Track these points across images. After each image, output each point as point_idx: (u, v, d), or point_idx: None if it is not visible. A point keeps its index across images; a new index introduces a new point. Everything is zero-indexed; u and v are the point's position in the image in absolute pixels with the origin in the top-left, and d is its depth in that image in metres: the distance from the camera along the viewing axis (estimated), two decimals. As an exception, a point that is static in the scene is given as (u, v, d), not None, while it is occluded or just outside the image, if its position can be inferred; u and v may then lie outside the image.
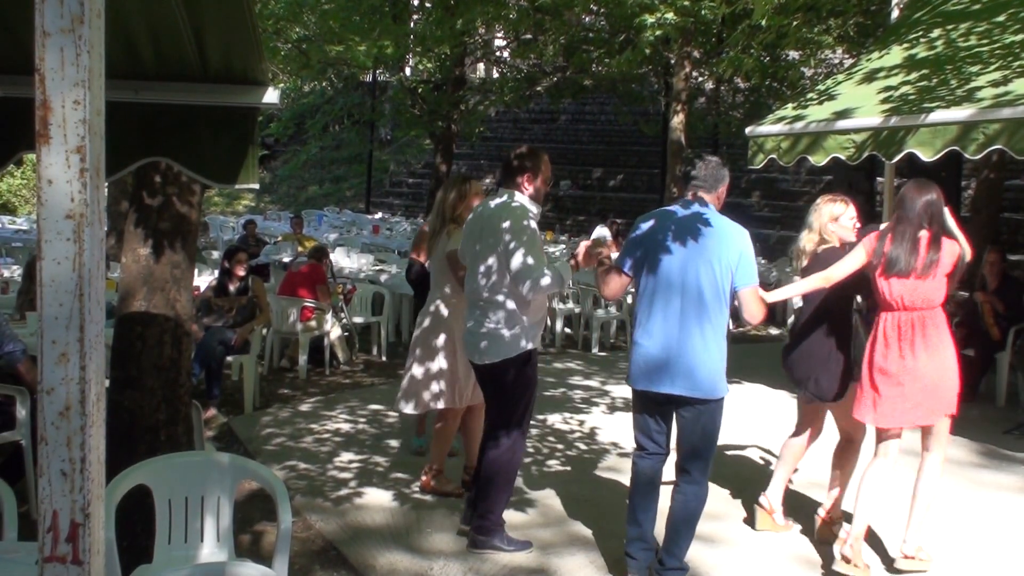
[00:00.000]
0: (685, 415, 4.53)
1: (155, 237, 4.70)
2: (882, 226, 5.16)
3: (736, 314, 5.21)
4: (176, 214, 4.75)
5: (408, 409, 6.18)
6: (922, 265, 4.72)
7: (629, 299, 11.82)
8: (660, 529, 4.75)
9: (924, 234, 4.76)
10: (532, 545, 5.23)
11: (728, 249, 4.47)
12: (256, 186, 3.81)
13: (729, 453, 7.16)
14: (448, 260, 5.92)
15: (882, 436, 4.91)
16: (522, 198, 5.13)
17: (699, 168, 4.76)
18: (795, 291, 5.36)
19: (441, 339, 5.99)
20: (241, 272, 8.75)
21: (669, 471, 4.76)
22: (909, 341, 4.75)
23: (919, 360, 4.73)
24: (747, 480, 6.49)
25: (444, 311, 6.01)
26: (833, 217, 5.25)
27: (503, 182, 5.27)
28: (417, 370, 6.07)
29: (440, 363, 5.97)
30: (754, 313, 4.59)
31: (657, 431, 4.69)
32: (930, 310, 4.79)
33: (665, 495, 4.75)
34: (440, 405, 6.04)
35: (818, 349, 5.22)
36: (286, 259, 13.36)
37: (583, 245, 4.98)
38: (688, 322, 4.45)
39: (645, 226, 4.71)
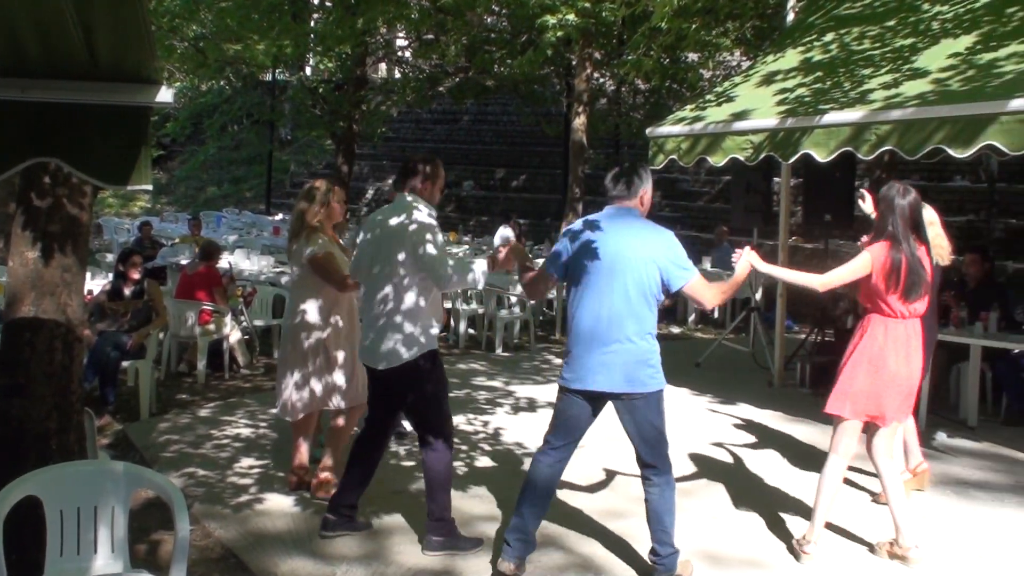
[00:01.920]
0: (630, 413, 4.65)
1: (44, 240, 4.57)
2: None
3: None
4: (66, 216, 4.62)
5: (290, 417, 6.16)
6: (931, 282, 5.19)
7: (532, 302, 11.88)
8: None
9: (922, 249, 5.10)
10: (483, 542, 5.28)
11: (653, 252, 4.60)
12: (149, 188, 3.72)
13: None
14: (311, 264, 5.88)
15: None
16: (421, 201, 5.21)
17: (612, 179, 4.82)
18: (786, 277, 5.50)
19: (313, 340, 5.98)
20: (136, 275, 8.57)
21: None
22: (913, 346, 5.09)
23: (912, 363, 5.09)
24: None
25: (313, 313, 5.98)
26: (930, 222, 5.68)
27: (401, 185, 5.33)
28: (296, 375, 6.05)
29: (328, 364, 5.99)
30: (708, 299, 4.80)
31: (579, 430, 4.80)
32: (919, 317, 5.18)
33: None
34: (332, 405, 6.07)
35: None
36: (183, 261, 13.09)
37: (503, 249, 5.13)
38: (618, 323, 4.56)
39: (572, 232, 4.81)
